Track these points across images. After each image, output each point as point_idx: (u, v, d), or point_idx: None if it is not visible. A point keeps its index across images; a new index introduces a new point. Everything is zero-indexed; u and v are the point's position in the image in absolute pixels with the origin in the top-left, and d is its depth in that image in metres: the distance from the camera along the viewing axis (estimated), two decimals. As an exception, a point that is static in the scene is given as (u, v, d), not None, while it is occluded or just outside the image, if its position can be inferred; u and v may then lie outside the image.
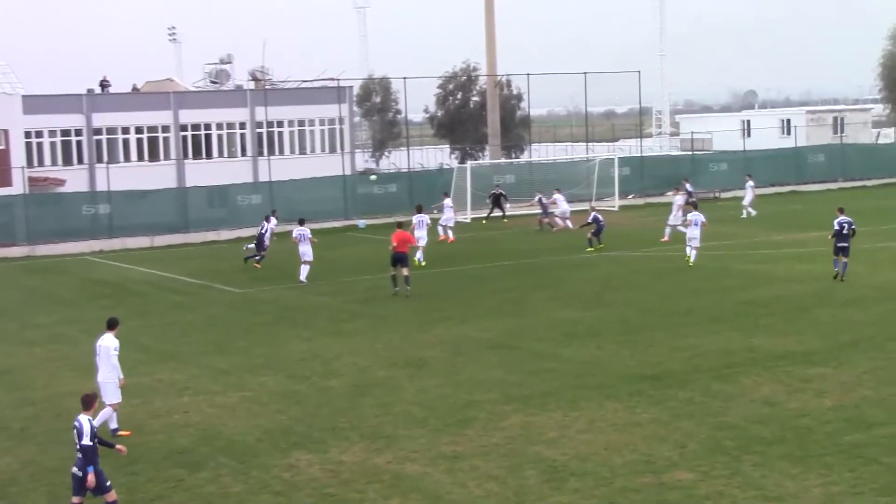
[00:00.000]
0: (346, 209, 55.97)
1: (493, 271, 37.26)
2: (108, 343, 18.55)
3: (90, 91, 62.66)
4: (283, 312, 30.69)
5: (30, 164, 55.32)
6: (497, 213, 55.12)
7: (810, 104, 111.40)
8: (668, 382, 20.65)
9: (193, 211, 53.10)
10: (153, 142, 61.11)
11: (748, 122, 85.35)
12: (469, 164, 61.95)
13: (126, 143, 60.44)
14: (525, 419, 18.64)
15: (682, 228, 42.41)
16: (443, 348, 24.77)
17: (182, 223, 52.55)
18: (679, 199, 45.29)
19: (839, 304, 28.13)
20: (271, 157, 61.37)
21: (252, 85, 66.79)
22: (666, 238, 42.79)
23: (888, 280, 31.52)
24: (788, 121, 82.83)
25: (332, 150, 64.62)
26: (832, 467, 15.58)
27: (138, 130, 60.63)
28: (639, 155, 69.29)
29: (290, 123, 64.44)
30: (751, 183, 53.55)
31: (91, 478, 13.95)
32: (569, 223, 49.14)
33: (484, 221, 54.14)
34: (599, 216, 42.05)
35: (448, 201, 48.20)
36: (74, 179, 56.19)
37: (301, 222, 37.06)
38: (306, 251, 36.10)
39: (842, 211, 32.32)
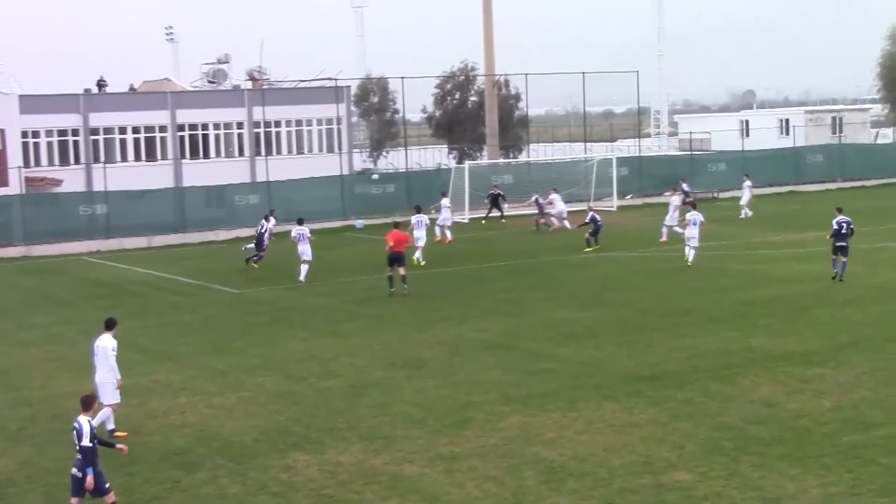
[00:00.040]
0: (343, 209, 55.91)
1: (491, 271, 37.22)
2: (105, 343, 18.52)
3: (87, 91, 62.50)
4: (280, 313, 30.65)
5: (26, 163, 55.22)
6: (495, 213, 55.10)
7: (809, 104, 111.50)
8: (667, 383, 20.62)
9: (191, 211, 53.04)
10: (150, 142, 61.01)
11: (747, 122, 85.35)
12: (467, 164, 61.91)
13: (123, 142, 60.33)
14: (523, 420, 18.61)
15: (677, 229, 42.46)
16: (441, 349, 24.72)
17: (179, 223, 52.47)
18: (675, 199, 45.26)
19: (838, 304, 28.11)
20: (269, 157, 61.30)
21: (249, 85, 66.70)
22: (664, 238, 42.76)
23: (887, 280, 31.49)
24: (787, 121, 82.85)
25: (330, 150, 64.53)
26: (830, 468, 15.56)
27: (135, 130, 60.52)
28: (637, 155, 69.28)
29: (288, 123, 64.36)
30: (748, 183, 53.53)
31: (90, 479, 13.91)
32: (566, 223, 49.11)
33: (483, 222, 54.12)
34: (597, 216, 42.02)
35: (445, 201, 48.15)
36: (71, 179, 56.05)
37: (300, 222, 37.15)
38: (305, 250, 36.14)
39: (840, 211, 32.31)
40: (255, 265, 39.87)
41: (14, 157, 52.42)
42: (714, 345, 23.82)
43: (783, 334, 24.67)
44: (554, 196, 50.59)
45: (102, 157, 58.36)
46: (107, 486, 14.24)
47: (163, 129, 61.11)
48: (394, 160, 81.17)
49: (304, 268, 36.03)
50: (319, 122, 65.05)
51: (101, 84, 63.83)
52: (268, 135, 63.15)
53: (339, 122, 65.12)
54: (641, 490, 15.05)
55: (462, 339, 25.67)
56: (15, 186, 51.57)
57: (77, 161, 58.61)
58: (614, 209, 57.17)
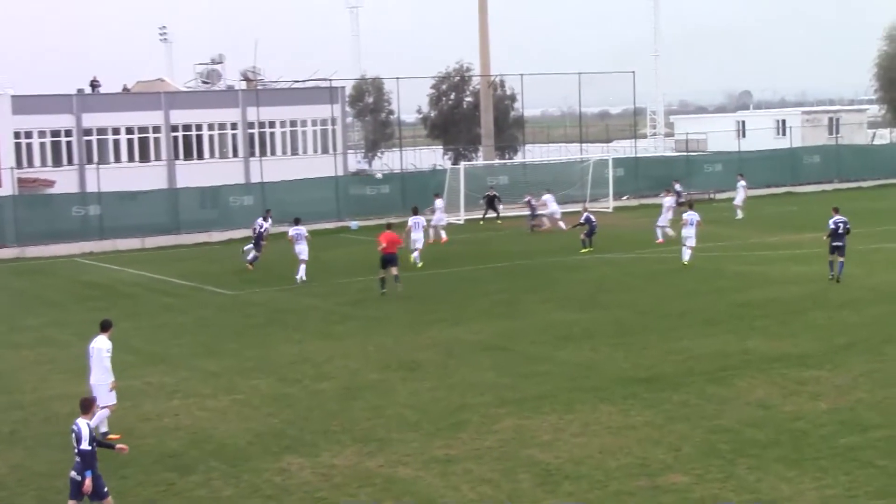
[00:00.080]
0: (338, 210, 55.80)
1: (487, 273, 37.13)
2: (100, 345, 18.42)
3: (80, 91, 62.35)
4: (274, 314, 30.53)
5: (19, 164, 55.13)
6: (491, 214, 55.02)
7: (805, 105, 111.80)
8: (663, 385, 20.53)
9: (185, 212, 52.89)
10: (144, 142, 60.87)
11: (743, 122, 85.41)
12: (462, 164, 61.81)
13: (116, 143, 60.18)
14: (519, 422, 18.51)
15: (668, 230, 42.45)
16: (435, 351, 24.62)
17: (173, 224, 52.33)
18: (668, 200, 45.24)
19: (834, 306, 28.04)
20: (263, 158, 61.19)
21: (244, 85, 66.58)
22: (660, 240, 42.68)
23: (883, 282, 31.43)
24: (784, 121, 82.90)
25: (325, 150, 64.47)
26: (827, 470, 15.48)
27: (129, 131, 60.39)
28: (633, 156, 69.24)
29: (282, 124, 64.26)
30: (742, 182, 53.50)
31: (88, 482, 13.81)
32: (561, 224, 49.05)
33: (481, 222, 54.08)
34: (592, 216, 41.93)
35: (439, 202, 48.08)
36: (64, 180, 55.89)
37: (296, 221, 37.27)
38: (302, 250, 36.21)
39: (837, 211, 32.29)
40: (251, 266, 39.73)
41: (6, 157, 52.32)
42: (710, 347, 23.73)
43: (779, 336, 24.59)
44: (547, 197, 50.52)
45: (96, 158, 58.26)
46: (105, 489, 14.13)
47: (156, 129, 60.98)
48: (389, 161, 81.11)
49: (302, 267, 36.02)
50: (314, 123, 64.96)
51: (94, 84, 63.65)
52: (262, 135, 63.06)
53: (333, 122, 65.04)
54: (638, 492, 14.97)
55: (457, 341, 25.56)
56: (7, 187, 51.46)
57: (70, 162, 58.49)
58: (610, 210, 57.11)
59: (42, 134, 57.99)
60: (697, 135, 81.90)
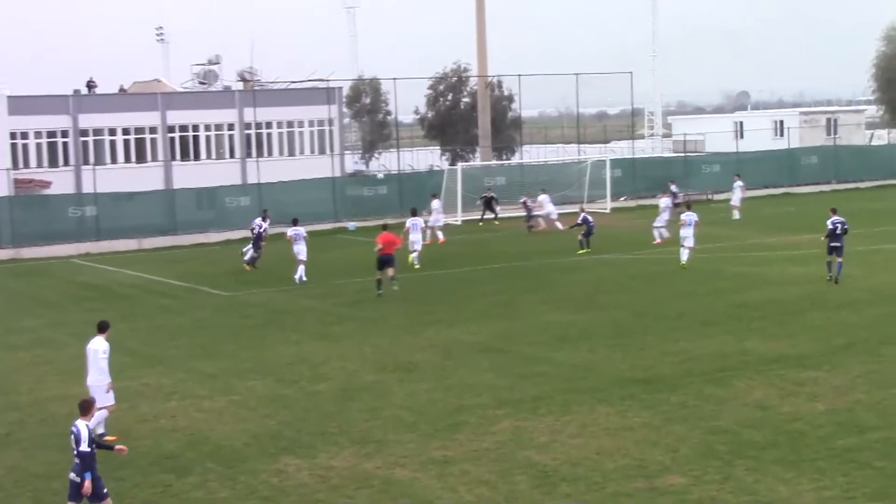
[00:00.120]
0: (335, 211, 55.77)
1: (484, 274, 37.09)
2: (96, 346, 18.37)
3: (76, 92, 62.20)
4: (271, 316, 30.49)
5: (15, 165, 55.04)
6: (489, 215, 55.01)
7: (803, 105, 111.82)
8: (661, 386, 20.50)
9: (181, 213, 52.84)
10: (140, 143, 60.75)
11: (741, 123, 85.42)
12: (460, 165, 61.78)
13: (113, 144, 60.06)
14: (516, 424, 18.48)
15: (664, 231, 42.44)
16: (433, 352, 24.58)
17: (170, 225, 52.29)
18: (665, 201, 45.24)
19: (832, 307, 28.02)
20: (260, 159, 61.17)
21: (240, 86, 66.51)
22: (657, 241, 42.67)
23: (882, 283, 31.42)
24: (781, 122, 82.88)
25: (322, 151, 64.40)
26: (825, 472, 15.46)
27: (125, 132, 60.26)
28: (631, 156, 69.21)
29: (279, 125, 64.17)
30: (739, 183, 53.49)
31: (88, 484, 13.77)
32: (558, 224, 49.04)
33: (480, 223, 54.06)
34: (589, 217, 41.92)
35: (436, 203, 48.05)
36: (60, 181, 55.78)
37: (295, 222, 37.46)
38: (301, 250, 36.28)
39: (834, 211, 32.30)
40: (248, 267, 39.69)
41: (2, 158, 52.24)
42: (708, 348, 23.70)
43: (777, 337, 24.57)
44: (542, 197, 50.50)
45: (92, 159, 58.10)
46: (104, 491, 14.09)
47: (153, 130, 60.86)
48: (386, 162, 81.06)
49: (301, 267, 36.04)
50: (311, 124, 64.87)
51: (90, 85, 63.54)
52: (259, 136, 62.97)
53: (330, 123, 64.96)
54: (635, 494, 14.93)
55: (454, 343, 25.52)
56: (3, 188, 51.36)
57: (66, 163, 58.32)
58: (608, 211, 57.10)
59: (38, 135, 57.86)
60: (695, 135, 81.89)
